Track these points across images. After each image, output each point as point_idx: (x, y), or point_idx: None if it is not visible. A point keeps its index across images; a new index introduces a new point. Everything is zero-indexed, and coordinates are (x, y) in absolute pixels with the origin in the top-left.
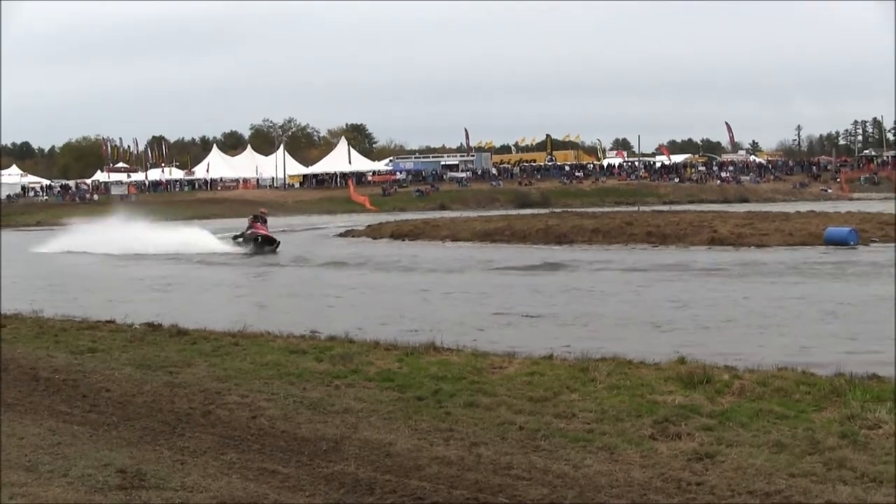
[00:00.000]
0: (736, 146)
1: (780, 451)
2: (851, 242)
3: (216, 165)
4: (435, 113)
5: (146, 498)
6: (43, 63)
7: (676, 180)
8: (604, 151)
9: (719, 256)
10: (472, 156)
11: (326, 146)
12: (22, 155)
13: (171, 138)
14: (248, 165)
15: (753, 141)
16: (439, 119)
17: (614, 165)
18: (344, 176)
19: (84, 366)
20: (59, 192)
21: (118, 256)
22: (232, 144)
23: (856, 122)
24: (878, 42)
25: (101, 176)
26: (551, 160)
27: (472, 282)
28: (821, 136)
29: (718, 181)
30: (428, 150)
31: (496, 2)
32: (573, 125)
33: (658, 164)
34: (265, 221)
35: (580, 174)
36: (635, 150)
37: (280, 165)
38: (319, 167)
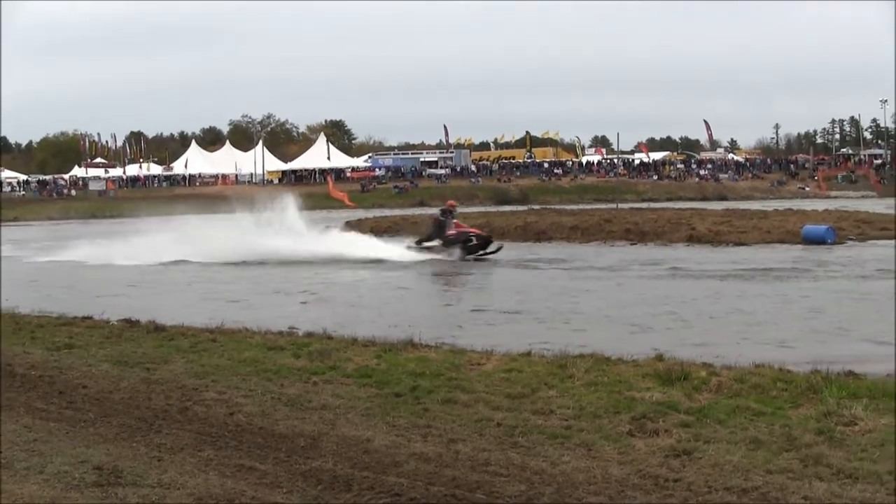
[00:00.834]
0: (714, 144)
1: (756, 447)
2: (828, 240)
3: (195, 161)
4: (414, 109)
5: (123, 495)
6: (20, 59)
7: (655, 178)
8: (583, 149)
9: (698, 255)
10: (452, 152)
11: (305, 142)
12: None
13: (150, 134)
14: (227, 161)
15: (732, 139)
16: (419, 115)
17: (593, 163)
18: (323, 172)
19: (61, 362)
20: (36, 187)
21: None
22: (211, 140)
23: (833, 120)
24: (856, 41)
25: (78, 171)
26: (530, 157)
27: (452, 279)
28: (799, 134)
29: (697, 179)
30: (407, 147)
31: (476, 1)
32: (552, 122)
33: (637, 162)
34: (454, 217)
35: (559, 171)
36: (614, 147)
37: (259, 161)
38: (298, 163)
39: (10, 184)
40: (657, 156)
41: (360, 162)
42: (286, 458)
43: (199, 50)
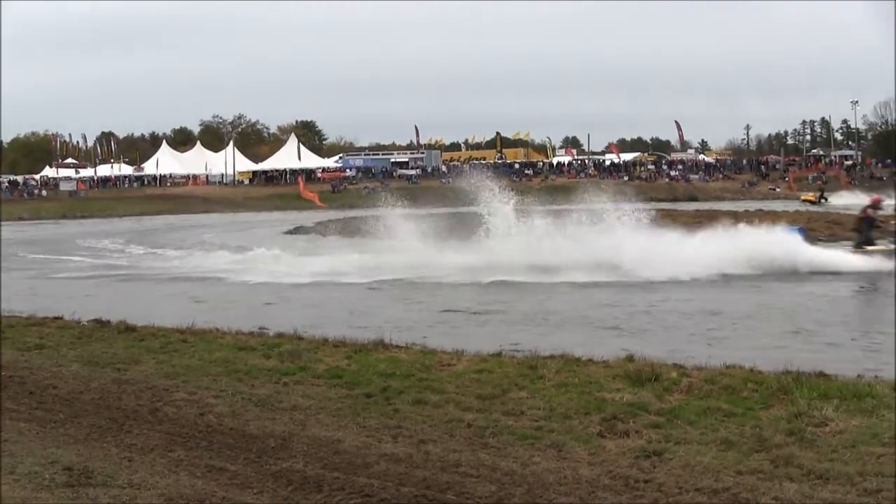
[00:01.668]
0: (685, 145)
1: (727, 448)
2: None
3: (166, 161)
4: (385, 110)
5: (93, 495)
6: None
7: (626, 178)
8: (553, 149)
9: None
10: (422, 153)
11: (276, 143)
12: None
13: (121, 134)
14: (198, 162)
15: (703, 140)
16: (389, 116)
17: (564, 163)
18: (294, 172)
19: (31, 362)
20: (7, 187)
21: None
22: (181, 140)
23: (804, 121)
24: (827, 42)
25: (49, 172)
26: (501, 158)
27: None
28: (769, 135)
29: (667, 179)
30: (378, 148)
31: (446, 1)
32: (523, 123)
33: (608, 163)
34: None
35: (530, 172)
36: (585, 148)
37: (230, 162)
38: (269, 164)
39: None
40: (628, 157)
41: (330, 163)
42: (257, 459)
43: (170, 50)
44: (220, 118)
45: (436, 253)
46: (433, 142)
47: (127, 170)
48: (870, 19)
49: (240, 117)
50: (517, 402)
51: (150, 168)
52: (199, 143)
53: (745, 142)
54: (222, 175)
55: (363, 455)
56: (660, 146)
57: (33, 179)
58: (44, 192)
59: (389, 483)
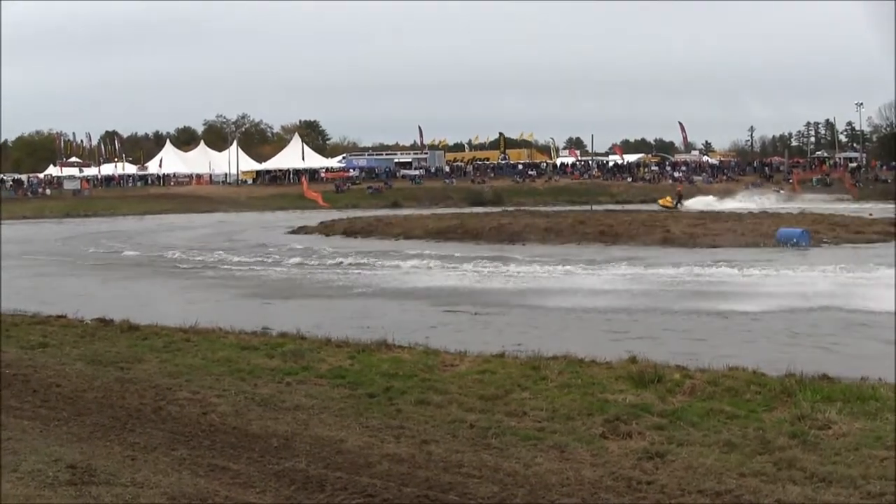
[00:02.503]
0: (689, 146)
1: (730, 450)
2: (803, 243)
3: (169, 161)
4: (389, 110)
5: (96, 493)
6: None
7: (629, 180)
8: (557, 150)
9: (673, 257)
10: (426, 153)
11: (280, 142)
12: None
13: (125, 133)
14: (202, 161)
15: (706, 141)
16: (393, 117)
17: (567, 164)
18: (297, 172)
19: (35, 361)
20: (11, 186)
21: None
22: (185, 140)
23: (808, 123)
24: (833, 43)
25: (53, 170)
26: (504, 159)
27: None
28: (773, 137)
29: (671, 181)
30: (381, 148)
31: (449, 1)
32: (527, 124)
33: (611, 164)
34: None
35: (533, 173)
36: (589, 149)
37: (233, 161)
38: (273, 163)
39: None
40: (632, 158)
41: (334, 162)
42: (259, 458)
43: (175, 50)
44: (224, 118)
45: None
46: (437, 142)
47: (131, 169)
48: (868, 21)
49: (243, 117)
50: (520, 402)
51: (153, 167)
52: (202, 142)
53: (749, 143)
54: (226, 175)
55: (366, 455)
56: (663, 147)
57: (37, 178)
58: (48, 191)
59: (392, 483)
